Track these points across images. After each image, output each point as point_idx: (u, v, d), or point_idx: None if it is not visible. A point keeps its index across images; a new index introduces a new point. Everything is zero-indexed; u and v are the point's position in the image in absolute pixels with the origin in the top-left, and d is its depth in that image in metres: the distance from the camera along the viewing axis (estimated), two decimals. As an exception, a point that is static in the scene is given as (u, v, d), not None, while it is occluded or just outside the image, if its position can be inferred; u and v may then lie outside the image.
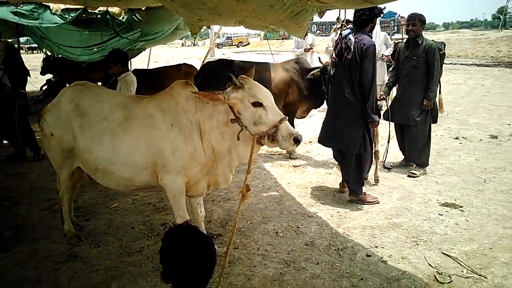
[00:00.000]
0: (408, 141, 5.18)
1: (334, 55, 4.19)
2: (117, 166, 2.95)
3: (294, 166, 5.58)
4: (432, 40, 5.08)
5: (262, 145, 2.74)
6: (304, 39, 8.45)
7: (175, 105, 2.89)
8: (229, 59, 5.64)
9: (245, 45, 45.65)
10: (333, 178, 5.09)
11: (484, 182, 4.81)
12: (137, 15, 7.48)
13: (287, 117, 2.67)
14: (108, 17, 7.19)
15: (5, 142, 6.85)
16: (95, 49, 8.57)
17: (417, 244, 3.50)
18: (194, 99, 2.87)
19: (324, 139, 4.48)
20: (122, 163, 2.94)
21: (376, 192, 4.61)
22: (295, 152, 5.93)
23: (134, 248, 3.49)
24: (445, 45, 5.25)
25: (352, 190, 4.34)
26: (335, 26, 8.03)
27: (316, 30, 39.95)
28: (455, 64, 19.31)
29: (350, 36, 3.98)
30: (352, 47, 3.96)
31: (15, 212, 4.28)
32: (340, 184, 4.69)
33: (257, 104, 2.59)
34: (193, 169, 2.91)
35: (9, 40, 6.74)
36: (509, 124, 7.40)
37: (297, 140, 2.58)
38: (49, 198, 4.60)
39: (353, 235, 3.67)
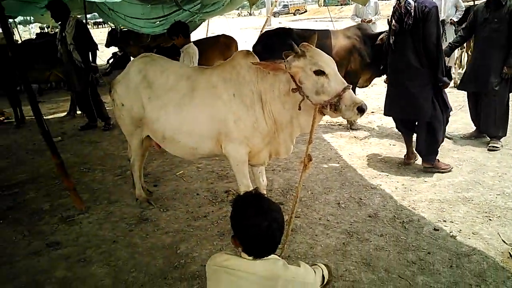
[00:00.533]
0: (484, 111, 4.80)
1: (393, 21, 3.95)
2: (182, 135, 3.06)
3: (355, 137, 5.44)
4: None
5: (324, 114, 2.68)
6: (365, 6, 8.06)
7: (237, 75, 2.90)
8: (287, 27, 5.51)
9: (302, 13, 44.41)
10: (398, 149, 4.91)
11: None
12: (198, -15, 7.53)
13: (351, 86, 2.58)
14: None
15: (78, 112, 7.36)
16: (157, 22, 8.79)
17: (490, 219, 3.31)
18: (256, 69, 2.86)
19: (390, 110, 4.32)
20: (187, 132, 3.04)
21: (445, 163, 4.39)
22: (356, 123, 5.77)
23: (199, 213, 3.65)
24: None
25: (426, 158, 4.20)
26: None
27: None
28: None
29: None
30: (412, 11, 3.72)
31: (91, 177, 4.63)
32: (405, 156, 4.52)
33: (319, 73, 2.52)
34: (255, 139, 2.94)
35: (78, 16, 7.08)
36: None
37: (361, 110, 2.49)
38: (121, 165, 4.92)
39: (419, 209, 3.54)
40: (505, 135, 4.79)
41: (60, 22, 5.99)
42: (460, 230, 3.19)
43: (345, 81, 2.58)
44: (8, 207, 4.00)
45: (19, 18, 14.65)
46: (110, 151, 5.50)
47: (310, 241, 3.14)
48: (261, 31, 8.05)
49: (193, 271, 2.86)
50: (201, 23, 11.07)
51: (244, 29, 28.13)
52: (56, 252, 3.19)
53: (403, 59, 3.95)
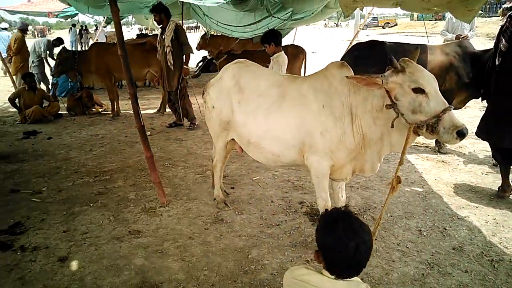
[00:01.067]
0: None
1: (503, 41, 3.60)
2: (268, 141, 3.10)
3: (443, 161, 5.10)
4: None
5: (419, 135, 2.56)
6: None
7: (328, 86, 2.87)
8: (379, 40, 5.34)
9: (391, 26, 42.92)
10: (491, 179, 4.50)
11: None
12: (290, -6, 7.61)
13: (452, 107, 2.42)
14: (263, -3, 7.48)
15: (167, 110, 7.82)
16: (248, 28, 9.06)
17: None
18: (348, 81, 2.80)
19: (490, 136, 3.95)
20: (272, 139, 3.07)
21: (546, 203, 3.94)
22: (445, 146, 5.40)
23: (273, 221, 3.66)
24: None
25: None
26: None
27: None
28: None
29: None
30: None
31: (174, 172, 4.88)
32: (499, 188, 4.13)
33: (419, 90, 2.41)
34: (340, 153, 2.88)
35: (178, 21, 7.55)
36: None
37: (461, 134, 2.34)
38: (202, 164, 5.12)
39: (512, 248, 3.21)
40: None
41: (161, 26, 6.41)
42: (562, 280, 2.83)
43: (446, 101, 2.43)
44: (99, 192, 4.36)
45: (124, 20, 16.03)
46: (193, 149, 5.76)
47: (386, 266, 2.99)
48: (350, 43, 7.92)
49: (263, 278, 2.87)
50: (290, 31, 11.19)
51: (329, 40, 27.90)
52: (136, 240, 3.40)
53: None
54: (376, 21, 44.61)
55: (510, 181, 4.04)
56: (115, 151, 5.82)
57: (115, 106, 7.88)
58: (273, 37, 4.72)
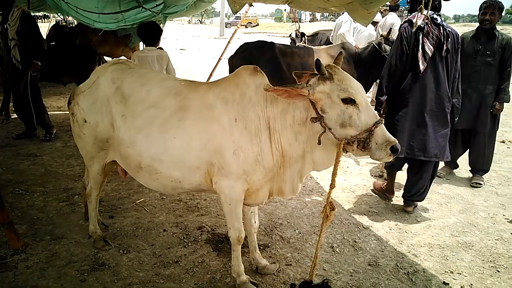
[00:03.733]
0: (474, 148, 4.60)
1: (426, 47, 3.45)
2: (165, 165, 2.43)
3: (334, 164, 5.04)
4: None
5: (347, 152, 2.22)
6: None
7: (241, 96, 2.35)
8: (269, 41, 5.04)
9: (253, 26, 44.54)
10: (382, 181, 4.57)
11: (552, 196, 4.31)
12: (163, -17, 6.85)
13: (383, 120, 2.14)
14: (132, -16, 6.54)
15: (13, 117, 6.31)
16: (113, 18, 7.91)
17: (498, 271, 3.02)
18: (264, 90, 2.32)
19: (408, 149, 3.66)
20: (172, 162, 2.41)
21: (433, 202, 4.12)
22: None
23: (170, 258, 2.99)
24: None
25: (419, 199, 3.88)
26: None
27: (329, 15, 38.96)
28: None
29: (444, 23, 3.41)
30: (450, 36, 3.43)
31: (29, 201, 3.77)
32: (383, 190, 4.16)
33: (349, 101, 2.07)
34: (257, 174, 2.38)
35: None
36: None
37: (395, 150, 2.07)
38: (66, 187, 4.11)
39: (421, 255, 3.18)
40: (488, 171, 4.67)
41: (0, 12, 5.02)
42: (471, 284, 2.86)
43: (377, 114, 2.13)
44: None
45: None
46: (52, 167, 4.61)
47: (310, 299, 2.62)
48: (228, 42, 7.53)
49: None
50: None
51: (196, 37, 27.43)
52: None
53: (436, 90, 3.54)
54: (239, 20, 45.79)
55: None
56: None
57: None
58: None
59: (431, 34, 3.39)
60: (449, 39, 3.42)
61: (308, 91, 2.10)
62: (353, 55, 5.07)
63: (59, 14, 8.44)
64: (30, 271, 2.76)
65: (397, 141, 2.09)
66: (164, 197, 3.96)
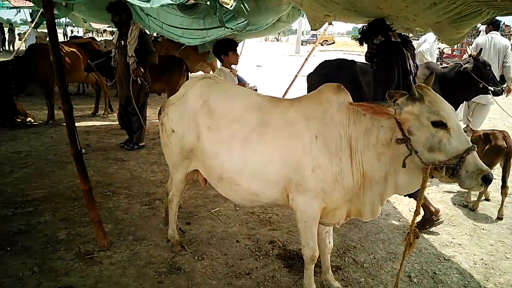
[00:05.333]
0: None
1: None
2: (245, 178, 2.50)
3: (412, 189, 4.80)
4: None
5: (433, 177, 2.11)
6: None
7: (323, 114, 2.36)
8: (349, 59, 4.99)
9: (329, 44, 44.34)
10: (465, 211, 4.26)
11: None
12: (245, 4, 7.10)
13: (476, 147, 2.01)
14: (217, 4, 6.87)
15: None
16: (196, 34, 8.38)
17: None
18: (348, 109, 2.31)
19: None
20: (251, 175, 2.48)
21: (525, 238, 3.73)
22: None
23: (242, 268, 3.04)
24: None
25: None
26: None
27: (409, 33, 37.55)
28: None
29: None
30: None
31: (115, 202, 4.08)
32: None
33: (439, 124, 1.98)
34: (335, 194, 2.35)
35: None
36: None
37: (487, 180, 1.94)
38: (149, 191, 4.40)
39: (510, 297, 2.89)
40: None
41: (120, 29, 5.52)
42: None
43: (469, 140, 2.01)
44: (19, 230, 3.45)
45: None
46: (137, 172, 4.95)
47: (384, 329, 2.50)
48: (306, 59, 7.58)
49: None
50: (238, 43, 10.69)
51: (272, 54, 27.98)
52: (69, 301, 2.61)
53: None
54: (316, 38, 45.86)
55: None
56: (42, 173, 4.82)
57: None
58: (231, 45, 4.20)
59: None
60: None
61: (395, 110, 2.05)
62: (438, 75, 4.81)
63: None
64: (113, 268, 2.97)
65: (490, 170, 1.96)
66: (238, 209, 4.04)
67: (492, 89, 4.70)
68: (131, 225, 3.62)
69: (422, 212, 3.71)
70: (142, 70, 5.50)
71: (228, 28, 7.82)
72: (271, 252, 3.30)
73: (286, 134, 2.40)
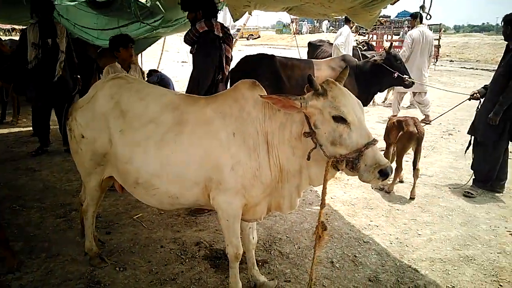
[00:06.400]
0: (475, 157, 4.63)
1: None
2: (163, 181, 2.41)
3: (335, 177, 4.99)
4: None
5: (339, 170, 2.17)
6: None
7: (240, 111, 2.34)
8: (269, 54, 5.05)
9: (255, 38, 44.86)
10: (381, 194, 4.54)
11: (553, 208, 4.25)
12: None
13: (377, 141, 2.09)
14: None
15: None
16: (112, 35, 7.97)
17: (500, 285, 2.96)
18: (263, 105, 2.32)
19: None
20: (169, 177, 2.39)
21: (434, 214, 4.07)
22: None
23: (166, 274, 2.95)
24: None
25: None
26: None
27: (329, 26, 39.21)
28: (476, 69, 18.68)
29: None
30: None
31: (26, 217, 3.75)
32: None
33: (339, 119, 2.02)
34: (255, 190, 2.36)
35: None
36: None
37: (384, 174, 1.98)
38: (64, 202, 4.10)
39: (422, 270, 3.13)
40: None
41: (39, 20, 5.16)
42: (474, 300, 2.79)
43: (371, 134, 2.08)
44: None
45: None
46: (51, 182, 4.59)
47: (309, 317, 2.57)
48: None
49: None
50: (156, 40, 10.34)
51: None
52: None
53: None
54: (241, 32, 46.00)
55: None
56: None
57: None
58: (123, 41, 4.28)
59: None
60: None
61: (301, 104, 2.08)
62: (354, 67, 5.04)
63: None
64: (24, 289, 2.72)
65: (388, 164, 2.01)
66: (162, 212, 3.92)
67: (406, 82, 5.08)
68: (44, 240, 3.35)
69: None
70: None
71: (144, 23, 7.56)
72: (197, 254, 3.24)
73: (203, 133, 2.35)
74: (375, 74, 4.97)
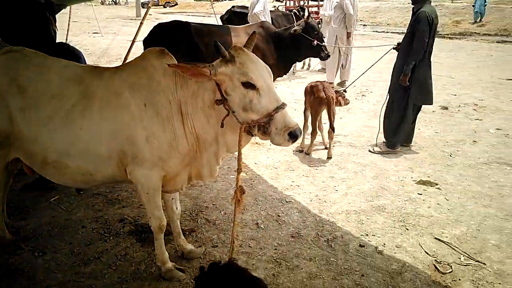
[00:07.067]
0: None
1: None
2: (73, 158, 2.30)
3: (257, 143, 5.13)
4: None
5: (253, 135, 2.23)
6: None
7: (149, 80, 2.27)
8: (184, 21, 4.89)
9: (172, 6, 43.00)
10: (301, 156, 4.76)
11: (450, 156, 4.78)
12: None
13: (286, 105, 2.16)
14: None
15: None
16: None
17: (407, 229, 3.31)
18: (173, 73, 2.27)
19: None
20: (80, 154, 2.29)
21: (349, 170, 4.37)
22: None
23: (90, 254, 2.88)
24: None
25: None
26: None
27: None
28: (387, 32, 19.81)
29: None
30: None
31: None
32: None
33: (248, 85, 2.05)
34: (173, 160, 2.34)
35: None
36: (455, 95, 7.58)
37: (293, 136, 2.06)
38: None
39: (339, 222, 3.39)
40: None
41: None
42: (384, 244, 3.10)
43: (279, 98, 2.15)
44: None
45: None
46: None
47: (236, 277, 2.68)
48: (141, 23, 7.17)
49: None
50: (60, 10, 9.48)
51: (111, 19, 25.89)
52: None
53: None
54: (157, 0, 43.81)
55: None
56: None
57: None
58: None
59: None
60: None
61: (210, 71, 2.07)
62: (272, 35, 5.07)
63: None
64: None
65: (297, 127, 2.08)
66: (82, 192, 3.75)
67: (322, 55, 5.25)
68: None
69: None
70: None
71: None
72: (121, 230, 3.19)
73: (113, 106, 2.26)
74: (294, 43, 5.05)
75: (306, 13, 6.46)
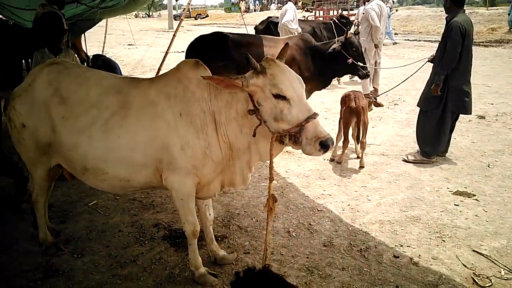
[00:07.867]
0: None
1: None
2: (111, 165, 2.39)
3: (287, 151, 5.13)
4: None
5: (285, 145, 2.25)
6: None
7: (184, 91, 2.34)
8: (223, 32, 4.99)
9: (203, 18, 43.93)
10: (333, 165, 4.72)
11: (488, 166, 4.62)
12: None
13: (318, 115, 2.18)
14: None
15: None
16: (47, 16, 7.52)
17: (443, 240, 3.22)
18: (207, 84, 2.34)
19: None
20: (117, 161, 2.38)
21: (382, 180, 4.30)
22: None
23: (126, 257, 2.96)
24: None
25: None
26: None
27: (277, 3, 39.14)
28: (419, 40, 19.44)
29: None
30: None
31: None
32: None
33: (279, 96, 2.08)
34: (206, 168, 2.40)
35: None
36: (492, 104, 7.34)
37: (324, 146, 2.06)
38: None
39: (373, 232, 3.33)
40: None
41: None
42: (420, 255, 3.03)
43: (311, 108, 2.15)
44: None
45: None
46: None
47: (268, 284, 2.68)
48: (174, 35, 7.39)
49: None
50: (97, 22, 9.88)
51: (144, 31, 26.69)
52: None
53: None
54: (188, 12, 44.84)
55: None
56: None
57: None
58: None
59: None
60: None
61: (242, 83, 2.11)
62: (311, 48, 4.99)
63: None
64: (-24, 286, 2.64)
65: (329, 137, 2.08)
66: (118, 198, 3.88)
67: (360, 73, 5.04)
68: (-7, 235, 3.23)
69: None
70: None
71: (82, 4, 7.23)
72: (156, 235, 3.26)
73: (149, 115, 2.34)
74: (332, 59, 4.88)
75: (351, 28, 6.10)
